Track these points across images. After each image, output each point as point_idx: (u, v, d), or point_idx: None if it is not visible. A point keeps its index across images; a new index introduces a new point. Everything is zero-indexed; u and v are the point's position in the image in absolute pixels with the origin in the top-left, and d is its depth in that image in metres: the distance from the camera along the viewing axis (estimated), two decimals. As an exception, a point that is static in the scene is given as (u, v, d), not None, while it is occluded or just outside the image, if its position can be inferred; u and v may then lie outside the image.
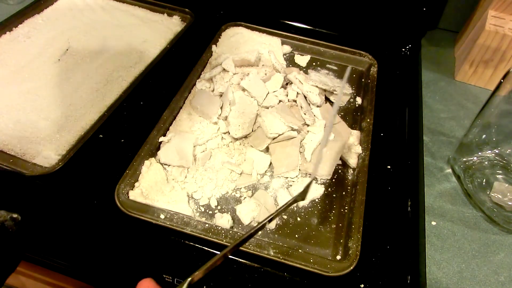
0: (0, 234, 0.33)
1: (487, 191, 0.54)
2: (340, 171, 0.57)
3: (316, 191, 0.53)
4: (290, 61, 0.74)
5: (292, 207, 0.52)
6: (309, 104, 0.62)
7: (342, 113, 0.65)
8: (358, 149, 0.58)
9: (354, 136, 0.60)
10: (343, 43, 0.75)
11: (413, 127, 0.63)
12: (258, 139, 0.56)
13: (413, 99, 0.69)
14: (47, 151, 0.53)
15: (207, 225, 0.47)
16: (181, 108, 0.62)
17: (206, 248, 0.46)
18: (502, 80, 0.49)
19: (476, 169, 0.57)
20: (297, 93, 0.62)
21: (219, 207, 0.51)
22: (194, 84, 0.65)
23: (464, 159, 0.57)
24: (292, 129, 0.57)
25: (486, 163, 0.57)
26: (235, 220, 0.50)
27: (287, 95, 0.62)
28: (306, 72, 0.70)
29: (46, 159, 0.52)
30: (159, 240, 0.47)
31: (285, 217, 0.51)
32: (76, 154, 0.53)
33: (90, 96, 0.61)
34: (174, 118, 0.60)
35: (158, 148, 0.56)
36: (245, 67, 0.67)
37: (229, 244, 0.46)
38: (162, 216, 0.47)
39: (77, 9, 0.79)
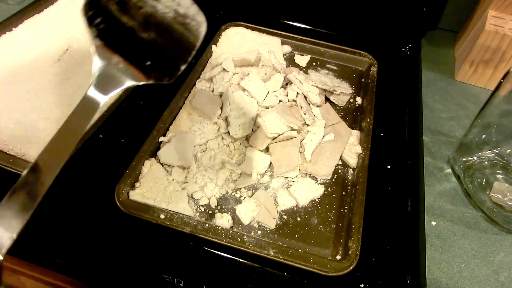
0: None
1: (487, 191, 0.54)
2: (340, 171, 0.57)
3: (316, 191, 0.53)
4: (290, 61, 0.74)
5: (292, 207, 0.52)
6: (309, 104, 0.62)
7: (342, 113, 0.65)
8: (358, 149, 0.58)
9: (354, 136, 0.60)
10: (343, 43, 0.75)
11: (413, 127, 0.63)
12: (258, 139, 0.56)
13: (413, 99, 0.69)
14: (47, 151, 0.53)
15: (207, 225, 0.47)
16: (181, 108, 0.62)
17: (206, 248, 0.46)
18: (502, 80, 0.49)
19: (476, 169, 0.57)
20: (297, 93, 0.62)
21: (219, 207, 0.51)
22: (194, 84, 0.65)
23: (464, 159, 0.57)
24: (292, 129, 0.57)
25: (486, 163, 0.57)
26: (235, 220, 0.50)
27: (287, 95, 0.62)
28: (306, 72, 0.70)
29: (46, 159, 0.52)
30: (159, 240, 0.47)
31: (285, 217, 0.51)
32: (76, 154, 0.53)
33: (90, 96, 0.61)
34: (174, 118, 0.60)
35: (158, 148, 0.56)
36: (245, 67, 0.67)
37: (229, 244, 0.46)
38: (162, 216, 0.47)
39: (77, 9, 0.78)
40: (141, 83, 0.35)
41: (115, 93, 0.34)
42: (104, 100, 0.33)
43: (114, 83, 0.34)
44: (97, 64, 0.34)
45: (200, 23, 0.38)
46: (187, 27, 0.38)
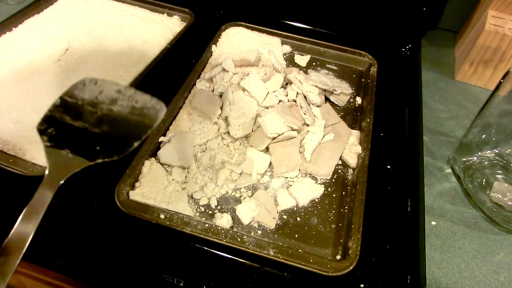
0: None
1: (487, 191, 0.54)
2: (340, 171, 0.57)
3: (316, 191, 0.53)
4: (290, 61, 0.74)
5: (292, 207, 0.52)
6: (309, 104, 0.62)
7: (342, 113, 0.65)
8: (358, 149, 0.58)
9: (354, 136, 0.60)
10: (343, 43, 0.75)
11: (413, 127, 0.63)
12: (258, 139, 0.56)
13: (413, 99, 0.69)
14: (47, 151, 0.53)
15: (207, 225, 0.47)
16: (181, 108, 0.62)
17: (206, 248, 0.46)
18: (502, 80, 0.49)
19: (476, 169, 0.57)
20: (297, 93, 0.62)
21: (219, 207, 0.51)
22: (194, 84, 0.65)
23: (464, 159, 0.57)
24: (292, 129, 0.57)
25: (486, 163, 0.57)
26: (235, 220, 0.50)
27: (287, 95, 0.62)
28: (306, 72, 0.70)
29: (46, 159, 0.52)
30: (159, 240, 0.47)
31: (285, 217, 0.51)
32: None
33: (90, 96, 0.61)
34: (174, 118, 0.60)
35: (158, 148, 0.56)
36: (245, 67, 0.67)
37: (228, 244, 0.46)
38: (162, 216, 0.47)
39: (77, 9, 0.79)
40: (91, 163, 0.38)
41: (67, 177, 0.37)
42: (58, 185, 0.37)
43: (65, 170, 0.37)
44: (48, 158, 0.38)
45: (159, 110, 0.41)
46: (145, 115, 0.41)
